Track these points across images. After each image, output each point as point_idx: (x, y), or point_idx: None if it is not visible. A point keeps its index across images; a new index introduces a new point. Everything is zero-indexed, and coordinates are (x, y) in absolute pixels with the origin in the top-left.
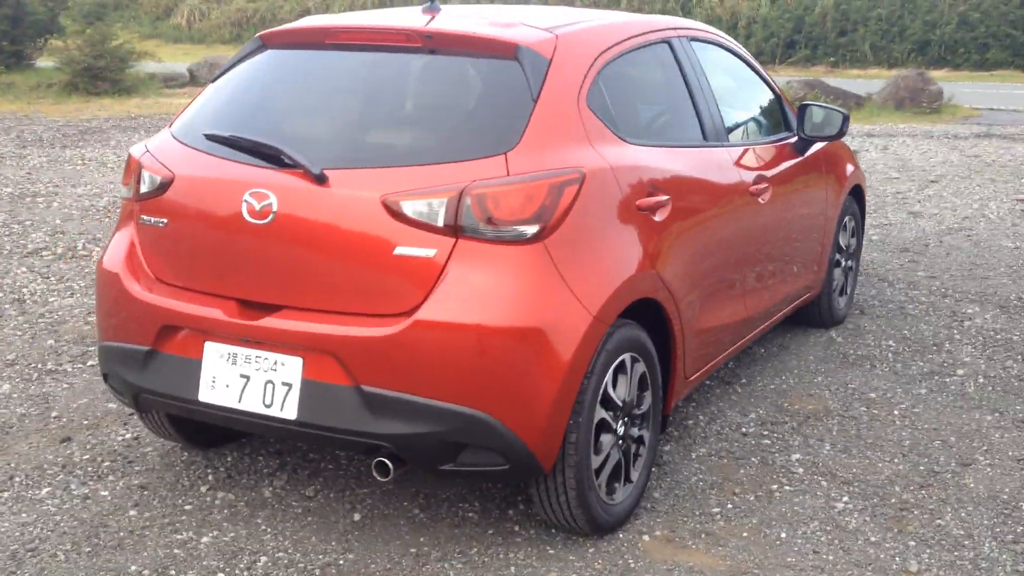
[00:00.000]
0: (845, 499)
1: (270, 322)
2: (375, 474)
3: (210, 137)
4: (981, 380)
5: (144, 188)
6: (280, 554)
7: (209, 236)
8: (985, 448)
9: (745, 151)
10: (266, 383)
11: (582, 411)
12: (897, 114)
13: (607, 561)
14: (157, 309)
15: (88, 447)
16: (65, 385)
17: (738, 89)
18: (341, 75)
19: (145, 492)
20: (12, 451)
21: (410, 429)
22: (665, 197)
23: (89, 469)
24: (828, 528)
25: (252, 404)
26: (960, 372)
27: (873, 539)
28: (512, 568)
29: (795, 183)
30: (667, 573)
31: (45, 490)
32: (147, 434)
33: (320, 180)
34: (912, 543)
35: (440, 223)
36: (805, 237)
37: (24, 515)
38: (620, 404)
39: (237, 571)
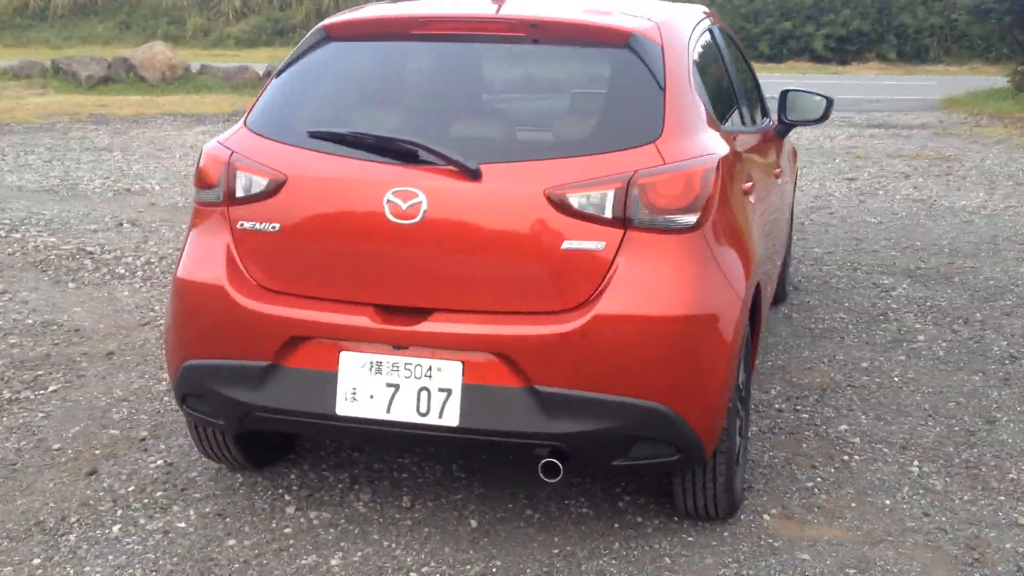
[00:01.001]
0: (916, 463)
1: (428, 326)
2: (542, 476)
3: (322, 135)
4: (944, 344)
5: (242, 191)
6: (425, 568)
7: (342, 240)
8: (996, 406)
9: (762, 134)
10: (419, 391)
11: (734, 396)
12: None
13: (750, 543)
14: (281, 320)
15: (123, 478)
16: (41, 414)
17: (739, 73)
18: (444, 66)
19: (227, 519)
20: (37, 490)
21: (586, 427)
22: (751, 182)
23: (145, 501)
24: (920, 492)
25: (404, 414)
26: (921, 338)
27: (966, 498)
28: (666, 559)
29: (781, 166)
30: (810, 548)
31: (115, 528)
32: (180, 459)
33: (474, 176)
34: (1002, 498)
35: (608, 215)
36: (783, 217)
37: (111, 557)
38: (740, 386)
39: None
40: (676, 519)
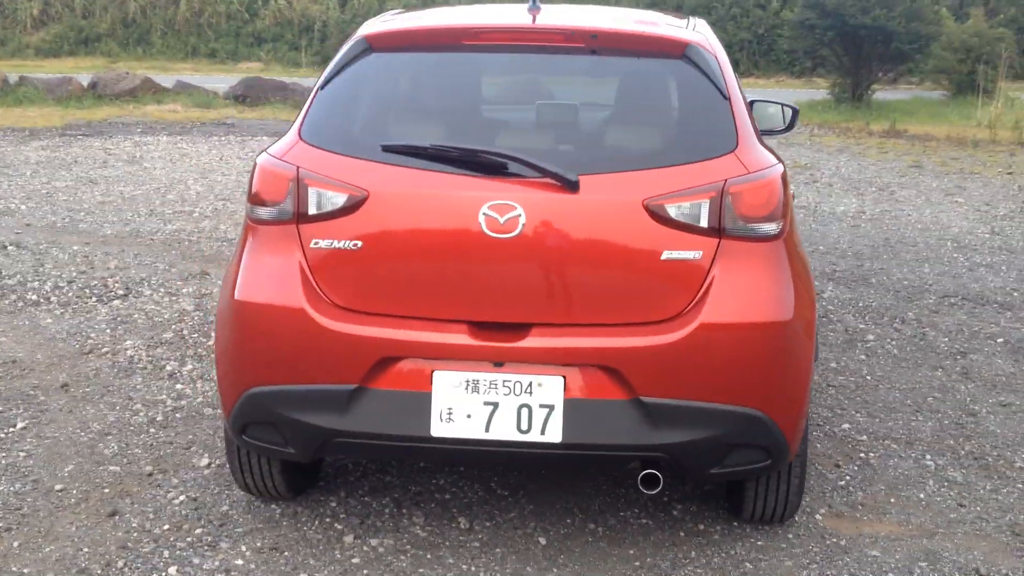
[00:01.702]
0: (928, 457)
1: (528, 342)
2: (642, 487)
3: (399, 148)
4: (894, 343)
5: (315, 208)
6: None
7: (433, 256)
8: (970, 399)
9: None
10: (520, 408)
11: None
12: None
13: (817, 543)
14: (372, 341)
15: (150, 516)
16: (22, 453)
17: None
18: (502, 77)
19: (285, 553)
20: (61, 535)
21: (690, 436)
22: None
23: (189, 539)
24: (945, 484)
25: (504, 432)
26: (871, 338)
27: (988, 487)
28: (747, 564)
29: None
30: (874, 545)
31: (172, 570)
32: (201, 492)
33: (573, 188)
34: (1020, 485)
35: (704, 224)
36: None
37: None
38: None
39: None
40: (736, 524)
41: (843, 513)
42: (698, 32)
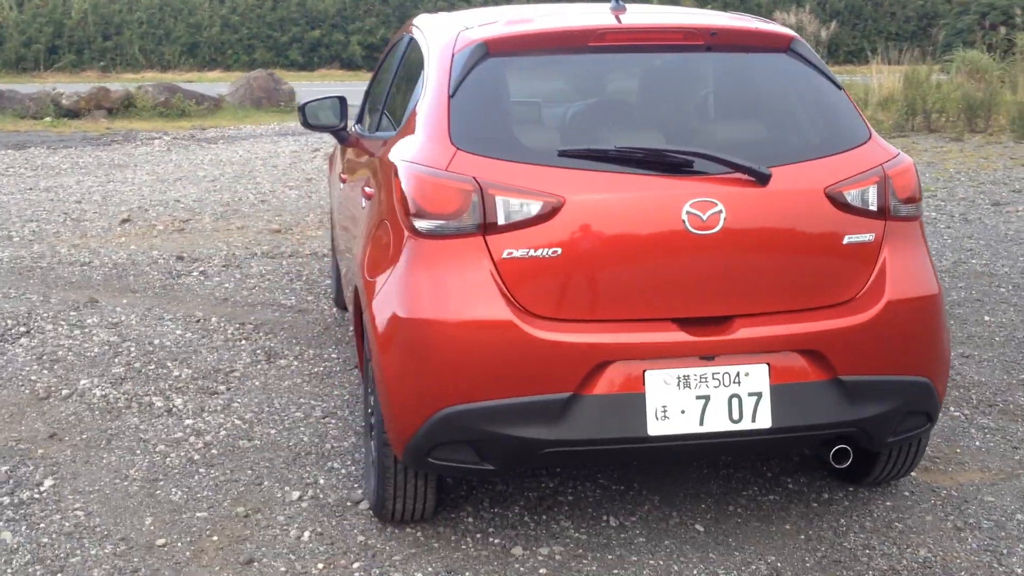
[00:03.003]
0: (953, 410)
1: (736, 333)
2: (833, 463)
3: (578, 153)
4: None
5: (505, 218)
6: (721, 571)
7: (637, 257)
8: None
9: None
10: (730, 398)
11: None
12: (262, 113)
13: (936, 496)
14: (587, 348)
15: (291, 557)
16: (78, 512)
17: None
18: (634, 77)
19: (467, 574)
20: None
21: (880, 409)
22: None
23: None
24: (989, 432)
25: (717, 424)
26: None
27: (1020, 434)
28: (898, 524)
29: None
30: (979, 491)
31: None
32: (328, 528)
33: (765, 181)
34: None
35: (874, 207)
36: None
37: None
38: None
39: None
40: (851, 488)
41: (930, 467)
42: (783, 27)
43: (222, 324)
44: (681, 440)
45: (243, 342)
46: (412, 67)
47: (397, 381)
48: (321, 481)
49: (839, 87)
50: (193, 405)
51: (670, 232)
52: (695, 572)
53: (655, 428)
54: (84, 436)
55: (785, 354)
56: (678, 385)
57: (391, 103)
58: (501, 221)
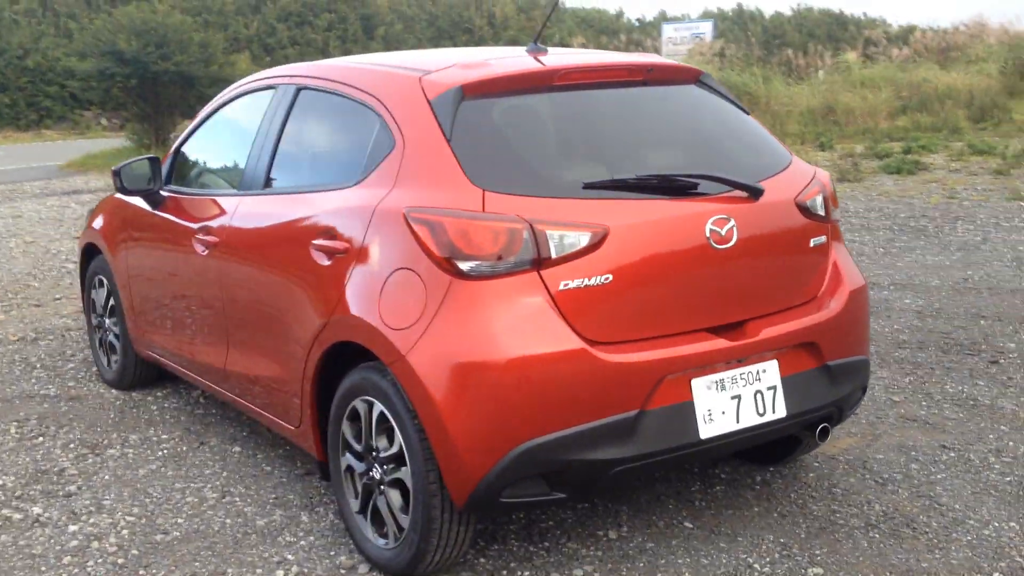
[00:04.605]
0: None
1: (760, 335)
2: (819, 440)
3: (600, 184)
4: None
5: (556, 252)
6: (768, 558)
7: (673, 275)
8: None
9: None
10: (755, 394)
11: None
12: None
13: (836, 463)
14: (648, 366)
15: None
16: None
17: None
18: (607, 111)
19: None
20: None
21: (850, 387)
22: None
23: None
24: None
25: (749, 419)
26: None
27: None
28: (930, 495)
29: None
30: (863, 453)
31: None
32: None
33: (758, 195)
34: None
35: (822, 213)
36: None
37: None
38: None
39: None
40: (772, 469)
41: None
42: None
43: None
44: (725, 439)
45: (41, 439)
46: (329, 118)
47: (464, 424)
48: (290, 556)
49: (747, 112)
50: (58, 511)
51: (697, 248)
52: (724, 560)
53: (705, 431)
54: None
55: (791, 348)
56: (716, 389)
57: (282, 158)
58: (553, 255)
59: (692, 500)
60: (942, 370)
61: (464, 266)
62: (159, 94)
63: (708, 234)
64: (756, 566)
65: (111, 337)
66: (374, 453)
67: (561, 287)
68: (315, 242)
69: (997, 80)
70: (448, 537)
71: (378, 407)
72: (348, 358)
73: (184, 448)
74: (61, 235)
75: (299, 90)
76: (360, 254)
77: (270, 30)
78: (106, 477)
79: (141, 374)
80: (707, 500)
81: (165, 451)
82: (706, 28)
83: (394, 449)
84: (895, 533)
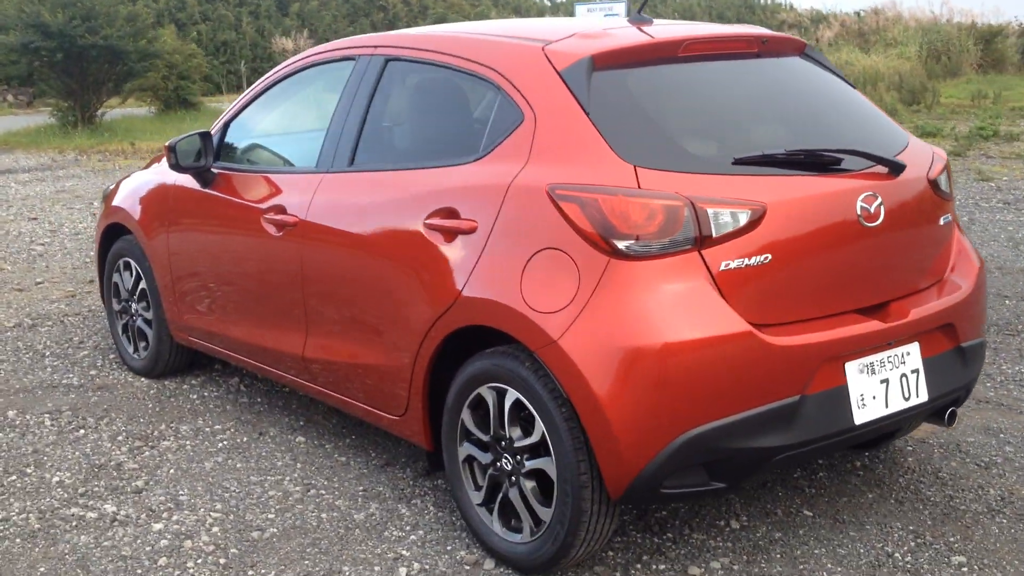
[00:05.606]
0: None
1: (909, 316)
2: (947, 424)
3: (751, 160)
4: None
5: (716, 231)
6: (897, 542)
7: (827, 254)
8: None
9: None
10: (901, 378)
11: None
12: None
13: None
14: (811, 349)
15: None
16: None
17: None
18: (727, 83)
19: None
20: None
21: (976, 369)
22: None
23: None
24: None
25: (897, 403)
26: None
27: None
28: (1000, 475)
29: None
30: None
31: None
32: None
33: (899, 171)
34: None
35: (947, 191)
36: None
37: None
38: None
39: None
40: (866, 459)
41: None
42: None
43: (28, 418)
44: (876, 424)
45: (83, 431)
46: (431, 92)
47: (626, 412)
48: (404, 552)
49: (853, 86)
50: (133, 509)
51: (849, 226)
52: (860, 550)
53: (859, 416)
54: (42, 570)
55: (931, 329)
56: (866, 373)
57: (371, 134)
58: (714, 233)
59: (800, 488)
60: (991, 351)
61: (621, 245)
62: (85, 69)
63: (859, 211)
64: (896, 555)
65: (140, 323)
66: (503, 443)
67: (722, 267)
68: (429, 221)
69: (917, 63)
70: (596, 530)
71: (512, 394)
72: (468, 344)
73: (244, 439)
74: (15, 216)
75: (388, 61)
76: (492, 233)
77: (180, 4)
78: (171, 471)
79: (174, 361)
80: (816, 487)
81: (224, 442)
82: (619, 9)
83: (533, 439)
84: (1021, 518)
